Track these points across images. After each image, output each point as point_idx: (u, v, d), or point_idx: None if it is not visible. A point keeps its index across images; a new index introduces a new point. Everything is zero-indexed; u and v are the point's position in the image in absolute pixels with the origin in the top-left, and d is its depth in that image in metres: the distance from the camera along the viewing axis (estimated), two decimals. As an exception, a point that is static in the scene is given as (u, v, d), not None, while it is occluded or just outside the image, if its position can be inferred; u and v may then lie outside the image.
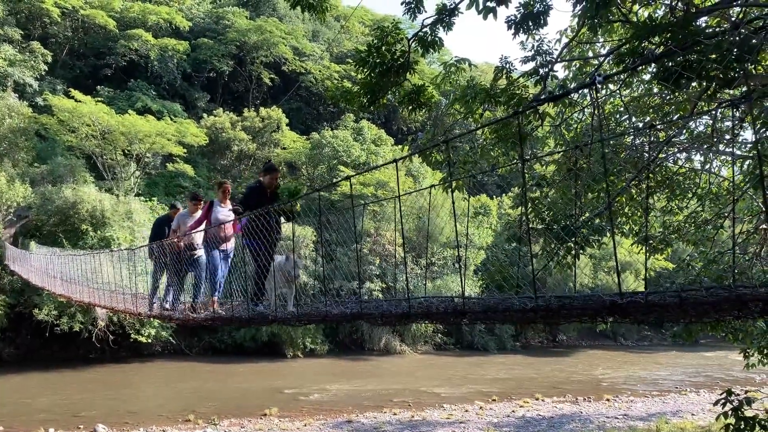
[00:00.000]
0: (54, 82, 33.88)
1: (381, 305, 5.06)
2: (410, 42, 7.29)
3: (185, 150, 32.73)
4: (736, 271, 7.75)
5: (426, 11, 7.09)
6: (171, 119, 33.54)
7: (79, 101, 29.27)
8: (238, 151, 36.60)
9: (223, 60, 40.69)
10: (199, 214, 8.82)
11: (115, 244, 23.17)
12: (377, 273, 29.32)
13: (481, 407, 18.00)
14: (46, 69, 33.73)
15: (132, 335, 24.00)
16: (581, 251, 7.45)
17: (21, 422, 14.70)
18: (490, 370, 26.26)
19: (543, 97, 5.04)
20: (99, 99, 31.89)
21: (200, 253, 8.66)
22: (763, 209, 8.32)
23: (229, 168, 37.16)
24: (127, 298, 10.57)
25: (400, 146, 35.72)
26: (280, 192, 7.11)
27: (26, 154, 28.82)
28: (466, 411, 17.56)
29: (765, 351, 9.10)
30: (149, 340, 24.76)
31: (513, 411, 17.60)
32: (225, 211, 8.16)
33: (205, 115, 37.27)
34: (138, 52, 37.48)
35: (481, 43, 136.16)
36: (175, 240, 8.67)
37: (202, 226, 8.32)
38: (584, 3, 4.80)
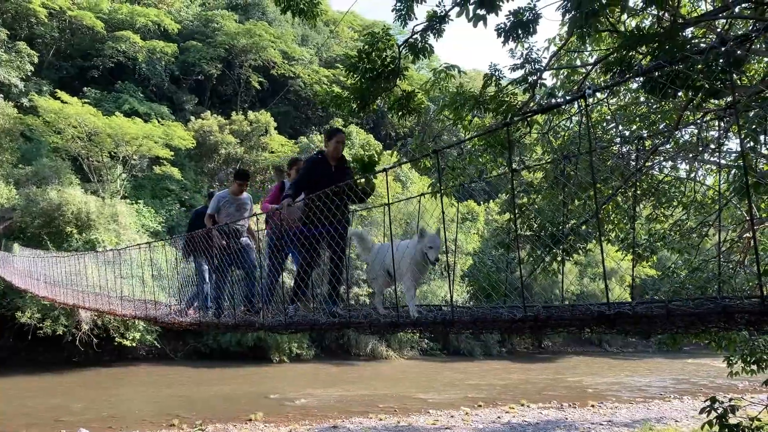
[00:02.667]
0: (40, 83, 33.59)
1: (369, 314, 5.07)
2: (400, 48, 7.31)
3: (172, 153, 32.56)
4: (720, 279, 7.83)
5: (416, 18, 7.12)
6: (158, 122, 33.35)
7: (66, 102, 29.05)
8: (225, 155, 36.46)
9: (212, 63, 40.56)
10: (246, 197, 7.61)
11: (100, 246, 22.98)
12: (365, 278, 29.28)
13: (467, 413, 17.99)
14: (32, 69, 33.43)
15: (116, 339, 23.79)
16: (567, 258, 7.49)
17: (2, 426, 14.51)
18: (476, 375, 26.28)
19: (533, 106, 5.06)
20: (86, 100, 31.66)
21: (248, 242, 7.52)
22: (747, 218, 8.43)
23: (216, 171, 37.02)
24: (139, 305, 10.33)
25: (388, 151, 35.75)
26: (353, 164, 5.84)
27: (11, 155, 28.57)
28: (452, 417, 17.55)
29: (748, 359, 9.19)
30: (134, 344, 24.54)
31: (499, 417, 17.61)
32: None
33: (192, 118, 37.10)
34: (126, 54, 37.25)
35: (471, 50, 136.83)
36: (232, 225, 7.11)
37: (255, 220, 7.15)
38: (573, 12, 4.84)
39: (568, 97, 3.91)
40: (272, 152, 36.85)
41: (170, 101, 39.13)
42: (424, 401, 19.97)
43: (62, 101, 29.07)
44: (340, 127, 6.62)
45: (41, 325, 21.72)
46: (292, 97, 44.83)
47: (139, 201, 30.43)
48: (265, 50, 42.18)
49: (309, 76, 44.09)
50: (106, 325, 23.40)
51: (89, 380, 21.60)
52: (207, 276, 7.87)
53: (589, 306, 3.16)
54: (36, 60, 33.67)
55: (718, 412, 5.78)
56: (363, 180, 5.46)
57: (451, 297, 4.41)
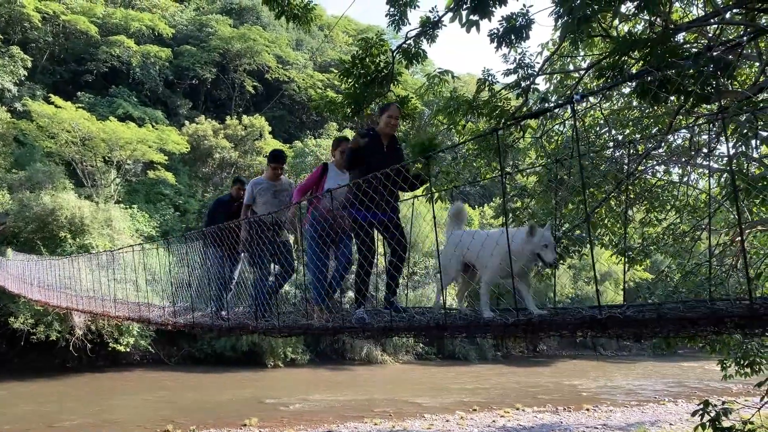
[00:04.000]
0: (34, 88, 33.47)
1: (363, 319, 5.06)
2: (394, 53, 7.34)
3: (166, 157, 32.48)
4: (712, 282, 7.87)
5: (410, 23, 7.16)
6: (152, 126, 33.28)
7: (59, 107, 28.96)
8: (219, 159, 36.41)
9: (206, 67, 40.54)
10: (285, 182, 6.89)
11: (94, 251, 22.91)
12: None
13: (462, 417, 17.99)
14: (26, 74, 33.32)
15: (110, 344, 23.70)
16: (561, 262, 7.51)
17: (-5, 433, 14.45)
18: (471, 379, 26.28)
19: (524, 111, 5.09)
20: (79, 105, 31.58)
21: (289, 237, 6.79)
22: (734, 219, 8.48)
23: (211, 176, 36.96)
24: (132, 307, 10.25)
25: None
26: (411, 145, 5.20)
27: (4, 160, 28.44)
28: (447, 421, 17.55)
29: (742, 362, 9.24)
30: (128, 349, 24.46)
31: (494, 421, 17.62)
32: (344, 180, 5.73)
33: (187, 122, 37.06)
34: (120, 58, 37.19)
35: (465, 55, 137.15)
36: (250, 218, 6.39)
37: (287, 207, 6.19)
38: (566, 18, 4.87)
39: (558, 102, 3.94)
40: (267, 157, 36.73)
41: (164, 106, 39.08)
42: (420, 405, 19.96)
43: (56, 106, 28.98)
44: (394, 101, 5.65)
45: (34, 330, 21.62)
46: (287, 101, 44.85)
47: (133, 206, 30.34)
48: (260, 54, 42.19)
49: (303, 80, 44.12)
50: (100, 330, 23.31)
51: (83, 386, 21.51)
52: (229, 273, 7.28)
53: (581, 310, 3.18)
54: (29, 64, 33.57)
55: (711, 415, 5.80)
56: (419, 165, 4.67)
57: (444, 302, 4.41)
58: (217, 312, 7.20)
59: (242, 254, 7.16)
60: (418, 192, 5.68)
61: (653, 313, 2.85)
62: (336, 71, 7.72)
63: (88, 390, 20.88)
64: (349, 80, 7.48)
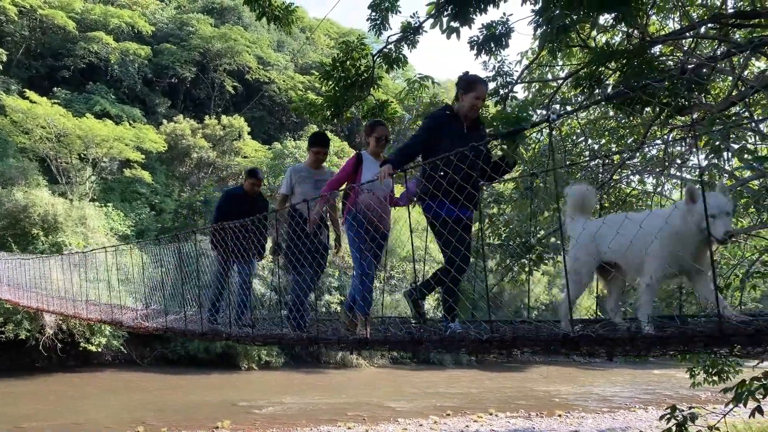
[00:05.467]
0: (8, 82, 32.90)
1: (338, 330, 5.04)
2: (375, 58, 7.37)
3: (143, 156, 32.16)
4: (684, 293, 8.01)
5: (391, 28, 7.19)
6: (130, 124, 32.92)
7: (35, 102, 28.50)
8: (197, 159, 36.13)
9: (186, 66, 40.21)
10: (328, 171, 5.97)
11: (67, 250, 22.57)
12: (336, 285, 29.24)
13: (435, 422, 18.02)
14: (1, 68, 32.78)
15: (81, 344, 23.33)
16: (535, 268, 7.60)
17: (-40, 433, 14.14)
18: (446, 384, 26.35)
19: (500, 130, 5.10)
20: (55, 101, 31.09)
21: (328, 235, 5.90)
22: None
23: (188, 175, 36.66)
24: (105, 309, 10.07)
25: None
26: (494, 118, 4.14)
27: (-24, 154, 27.96)
28: (421, 426, 17.57)
29: (710, 370, 9.41)
30: (99, 349, 24.10)
31: (467, 426, 17.67)
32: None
33: (165, 121, 36.70)
34: (98, 54, 36.72)
35: (446, 61, 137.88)
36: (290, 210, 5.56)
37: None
38: (544, 27, 4.93)
39: (536, 121, 3.97)
40: (245, 157, 36.62)
41: (143, 104, 38.67)
42: (393, 410, 19.95)
43: (31, 101, 28.52)
44: (483, 78, 4.66)
45: (3, 329, 21.20)
46: (267, 102, 44.67)
47: (108, 204, 29.94)
48: (240, 55, 41.99)
49: (284, 81, 43.99)
50: (71, 330, 22.93)
51: (52, 386, 21.13)
52: (237, 280, 6.65)
53: (554, 328, 3.23)
54: (4, 58, 32.99)
55: (678, 419, 5.91)
56: (505, 147, 3.83)
57: (423, 315, 4.36)
58: (211, 317, 6.61)
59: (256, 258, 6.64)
60: None
61: (625, 333, 2.92)
62: (317, 73, 7.68)
63: (57, 390, 20.52)
64: (330, 83, 7.49)
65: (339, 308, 26.97)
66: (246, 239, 5.80)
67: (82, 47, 36.27)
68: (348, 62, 7.33)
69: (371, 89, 7.65)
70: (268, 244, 6.69)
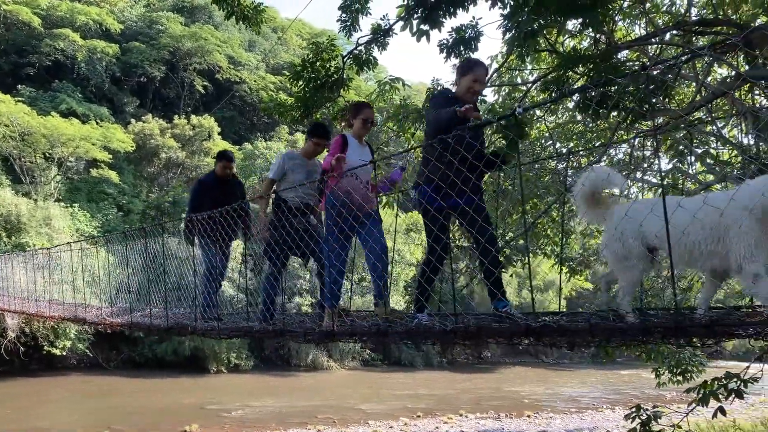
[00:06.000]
0: (-30, 79, 32.14)
1: (305, 323, 5.02)
2: (345, 59, 7.36)
3: (111, 156, 31.66)
4: (649, 293, 8.16)
5: (361, 30, 7.19)
6: (97, 123, 32.38)
7: (-2, 100, 27.92)
8: (166, 159, 35.67)
9: (155, 65, 39.69)
10: (318, 165, 5.58)
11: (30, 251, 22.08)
12: (307, 287, 29.09)
13: (405, 423, 18.05)
14: (-38, 64, 31.99)
15: (45, 347, 22.84)
16: (504, 270, 7.65)
17: None
18: (417, 386, 26.41)
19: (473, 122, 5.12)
20: (19, 99, 30.46)
21: (317, 221, 5.49)
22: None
23: (157, 176, 36.15)
24: (68, 307, 9.83)
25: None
26: (494, 120, 3.81)
27: (-64, 153, 27.23)
28: (391, 428, 17.58)
29: (675, 370, 9.60)
30: (64, 353, 23.63)
31: (437, 427, 17.74)
32: (365, 154, 4.87)
33: (133, 120, 36.14)
34: (64, 52, 36.01)
35: (417, 63, 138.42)
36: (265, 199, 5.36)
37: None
38: (513, 32, 4.98)
39: (503, 114, 4.00)
40: (215, 158, 36.22)
41: (110, 103, 38.04)
42: (364, 412, 19.93)
43: (-6, 98, 27.92)
44: (482, 61, 4.48)
45: (-37, 332, 20.69)
46: (237, 102, 44.30)
47: (74, 204, 29.39)
48: (211, 54, 41.60)
49: (255, 81, 43.69)
50: (35, 333, 22.43)
51: (15, 391, 20.63)
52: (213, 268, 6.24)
53: (517, 319, 3.26)
54: (-34, 54, 32.23)
55: (642, 418, 6.01)
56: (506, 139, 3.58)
57: (387, 307, 4.38)
58: (206, 312, 6.16)
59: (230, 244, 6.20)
60: None
61: (585, 323, 2.96)
62: (288, 74, 7.63)
63: (20, 395, 20.04)
64: (300, 84, 7.46)
65: (310, 310, 26.84)
66: (223, 226, 5.53)
67: (47, 44, 35.53)
68: (318, 63, 7.31)
69: (341, 90, 7.64)
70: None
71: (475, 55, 6.76)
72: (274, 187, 5.47)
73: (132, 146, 33.23)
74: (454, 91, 4.38)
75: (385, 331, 3.83)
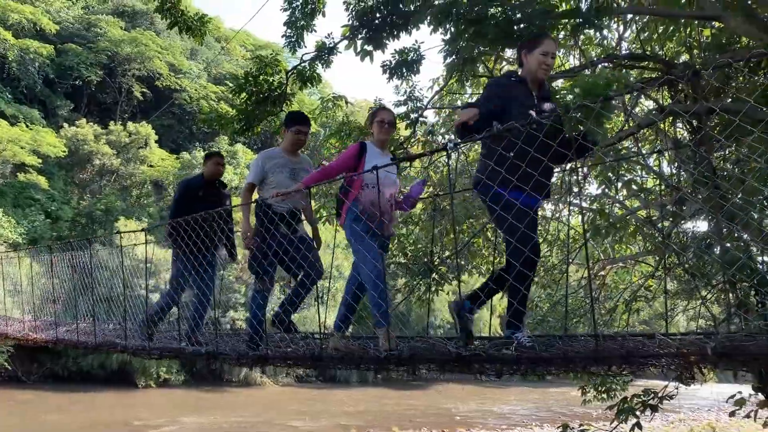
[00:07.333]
0: None
1: (238, 347, 4.91)
2: (288, 75, 7.40)
3: (40, 160, 30.47)
4: (576, 315, 8.46)
5: (306, 47, 7.26)
6: (27, 126, 31.16)
7: None
8: (100, 166, 34.58)
9: (92, 69, 38.51)
10: (305, 160, 4.99)
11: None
12: (242, 302, 28.62)
13: (338, 440, 17.96)
14: None
15: (-41, 360, 21.63)
16: (440, 288, 7.80)
17: None
18: (351, 402, 26.31)
19: (414, 141, 5.20)
20: (-57, 97, 29.05)
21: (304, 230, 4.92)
22: (602, 258, 9.19)
23: (89, 183, 34.95)
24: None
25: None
26: (576, 85, 3.34)
27: None
28: (324, 444, 17.46)
29: (600, 388, 9.93)
30: (-21, 366, 22.42)
31: (370, 444, 17.72)
32: (387, 162, 4.03)
33: (66, 124, 34.90)
34: (-6, 50, 34.57)
35: (363, 81, 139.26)
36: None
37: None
38: (453, 57, 5.14)
39: (437, 148, 4.11)
40: (151, 166, 35.43)
41: (42, 105, 36.66)
42: (296, 429, 19.72)
43: None
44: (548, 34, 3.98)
45: None
46: (177, 110, 43.39)
47: (-3, 210, 28.07)
48: (151, 60, 40.73)
49: (196, 90, 42.96)
50: (-52, 344, 21.21)
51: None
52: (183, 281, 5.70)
53: (449, 347, 3.36)
54: None
55: (569, 437, 6.21)
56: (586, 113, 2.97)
57: (321, 330, 4.29)
58: (190, 335, 5.49)
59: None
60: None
61: (512, 353, 3.08)
62: (231, 84, 7.59)
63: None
64: (242, 96, 7.44)
65: (244, 325, 26.39)
66: (210, 235, 4.93)
67: (-25, 42, 34.01)
68: (261, 77, 7.32)
69: (284, 105, 7.66)
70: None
71: (417, 77, 6.93)
72: (256, 193, 4.82)
73: (64, 151, 32.15)
74: (519, 73, 3.72)
75: (319, 357, 3.85)
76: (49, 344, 7.39)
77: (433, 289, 7.77)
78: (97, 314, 6.68)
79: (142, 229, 6.11)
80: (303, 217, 4.94)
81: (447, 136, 8.37)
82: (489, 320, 4.62)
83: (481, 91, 8.72)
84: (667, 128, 6.93)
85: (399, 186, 4.41)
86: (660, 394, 5.17)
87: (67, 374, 25.35)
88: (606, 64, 7.10)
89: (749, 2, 5.59)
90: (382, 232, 3.95)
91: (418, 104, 7.27)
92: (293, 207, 4.63)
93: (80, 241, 6.55)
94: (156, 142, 36.53)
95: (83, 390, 23.65)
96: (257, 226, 4.59)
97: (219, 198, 5.91)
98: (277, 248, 4.36)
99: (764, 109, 3.15)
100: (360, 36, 6.26)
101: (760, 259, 4.97)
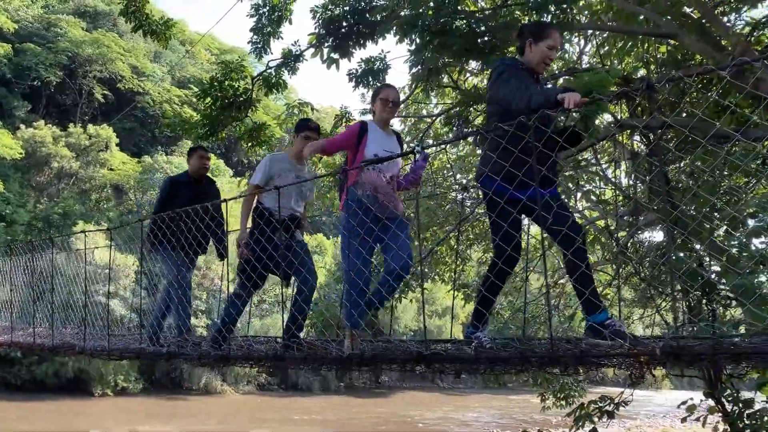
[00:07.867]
0: None
1: (199, 347, 4.88)
2: (254, 81, 7.39)
3: (-5, 162, 29.67)
4: (538, 321, 8.61)
5: (272, 53, 7.26)
6: (-19, 126, 30.31)
7: None
8: (58, 169, 33.79)
9: (51, 69, 37.65)
10: (309, 170, 4.97)
11: None
12: (203, 309, 28.24)
13: (300, 448, 17.86)
14: None
15: None
16: (403, 296, 7.87)
17: None
18: (313, 411, 26.16)
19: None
20: None
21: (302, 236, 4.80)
22: (563, 266, 9.39)
23: (47, 186, 34.10)
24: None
25: (238, 179, 35.11)
26: (574, 82, 3.17)
27: None
28: (285, 452, 17.33)
29: (559, 395, 10.11)
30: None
31: (331, 452, 17.66)
32: (392, 144, 4.08)
33: (23, 126, 34.02)
34: (-52, 48, 33.58)
35: (329, 87, 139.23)
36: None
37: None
38: (418, 68, 5.23)
39: (405, 151, 4.11)
40: (111, 169, 34.78)
41: (-2, 105, 35.71)
42: (258, 437, 19.53)
43: None
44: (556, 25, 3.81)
45: None
46: (139, 113, 42.68)
47: (-51, 213, 27.22)
48: (113, 62, 40.04)
49: (159, 93, 42.35)
50: None
51: None
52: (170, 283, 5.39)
53: (409, 346, 3.41)
54: None
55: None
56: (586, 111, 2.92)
57: (284, 329, 4.33)
58: (154, 337, 5.33)
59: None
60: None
61: (471, 351, 3.16)
62: (195, 88, 7.55)
63: None
64: (207, 101, 7.40)
65: (205, 332, 26.01)
66: (195, 231, 4.69)
67: (-72, 39, 32.99)
68: (227, 82, 7.29)
69: (249, 111, 7.65)
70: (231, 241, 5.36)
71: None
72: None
73: (20, 153, 31.36)
74: (522, 61, 3.47)
75: (281, 356, 3.86)
76: (3, 347, 7.19)
77: (396, 296, 7.84)
78: (55, 317, 6.53)
79: (107, 228, 6.00)
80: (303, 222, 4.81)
81: (412, 144, 8.46)
82: (451, 324, 4.73)
83: (446, 102, 8.87)
84: (624, 140, 7.14)
85: (401, 166, 4.27)
86: (616, 400, 5.31)
87: (21, 383, 24.60)
88: (567, 77, 7.30)
89: (703, 21, 5.82)
90: (382, 215, 3.84)
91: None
92: (294, 213, 4.59)
93: (42, 241, 6.39)
94: (117, 145, 35.89)
95: (37, 399, 23.00)
96: (253, 230, 4.47)
97: (207, 196, 5.51)
98: (272, 253, 4.24)
99: (715, 122, 3.29)
100: (326, 44, 6.30)
101: (711, 268, 5.15)
